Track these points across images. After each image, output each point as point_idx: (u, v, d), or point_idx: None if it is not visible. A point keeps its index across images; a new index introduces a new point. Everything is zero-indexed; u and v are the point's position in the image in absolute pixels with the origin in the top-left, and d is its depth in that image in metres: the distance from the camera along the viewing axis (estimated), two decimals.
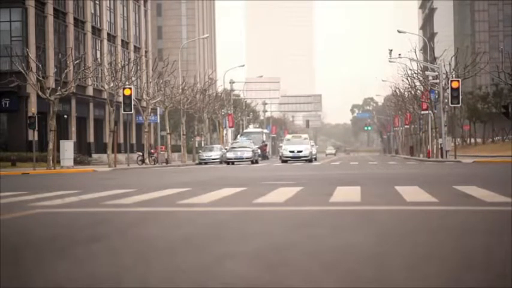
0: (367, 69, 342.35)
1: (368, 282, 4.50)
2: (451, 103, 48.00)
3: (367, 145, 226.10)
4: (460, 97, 48.14)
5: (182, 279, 4.73)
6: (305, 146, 56.07)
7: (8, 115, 55.77)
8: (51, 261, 5.58)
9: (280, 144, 74.62)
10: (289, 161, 55.23)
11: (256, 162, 55.71)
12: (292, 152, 55.48)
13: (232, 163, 54.32)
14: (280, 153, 59.89)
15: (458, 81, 48.42)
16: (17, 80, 46.27)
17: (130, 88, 47.33)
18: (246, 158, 54.58)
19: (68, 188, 17.76)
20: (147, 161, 55.73)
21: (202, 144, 74.60)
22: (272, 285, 4.46)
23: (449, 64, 56.96)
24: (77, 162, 48.75)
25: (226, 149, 61.04)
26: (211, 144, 72.50)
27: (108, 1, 71.78)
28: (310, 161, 55.52)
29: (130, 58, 68.89)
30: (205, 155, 61.78)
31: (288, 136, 61.20)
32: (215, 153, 60.98)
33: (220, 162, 59.13)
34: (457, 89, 47.47)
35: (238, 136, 79.24)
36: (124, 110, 46.86)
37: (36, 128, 42.52)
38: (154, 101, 60.07)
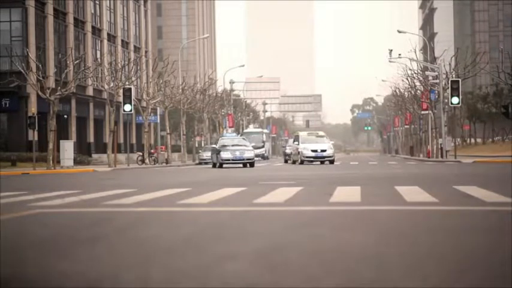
0: (367, 69, 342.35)
1: (368, 282, 4.50)
2: (451, 103, 48.02)
3: (367, 145, 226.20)
4: (460, 97, 48.16)
5: (182, 279, 4.73)
6: (327, 145, 48.02)
7: (8, 115, 55.79)
8: (51, 261, 5.58)
9: (284, 145, 70.12)
10: (308, 162, 46.96)
11: (253, 165, 43.64)
12: (315, 151, 47.03)
13: (221, 165, 43.38)
14: (288, 153, 51.98)
15: (458, 81, 48.45)
16: (17, 80, 46.30)
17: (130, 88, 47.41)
18: (247, 159, 43.08)
19: (68, 188, 17.76)
20: (147, 161, 55.74)
21: (203, 144, 74.61)
22: (272, 285, 4.46)
23: (449, 64, 56.99)
24: (77, 162, 48.78)
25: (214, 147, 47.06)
26: (212, 144, 72.45)
27: (108, 1, 71.79)
28: (333, 161, 47.31)
29: (130, 58, 68.89)
30: (206, 155, 61.70)
31: (302, 133, 51.74)
32: None
33: None
34: (457, 89, 47.49)
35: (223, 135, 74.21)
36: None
37: (36, 128, 42.54)
38: (154, 101, 60.08)
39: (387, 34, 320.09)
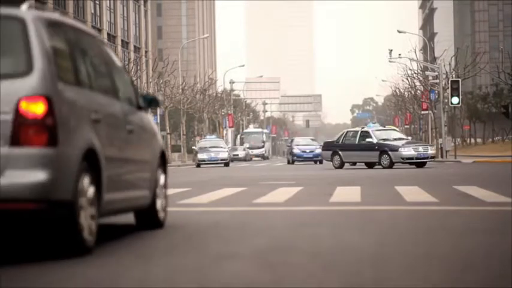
0: (367, 69, 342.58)
1: (368, 282, 4.50)
2: (451, 103, 48.00)
3: None
4: (460, 97, 48.14)
5: (182, 279, 4.73)
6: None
7: None
8: (50, 261, 5.58)
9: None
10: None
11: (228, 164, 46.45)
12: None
13: (199, 165, 43.94)
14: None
15: (458, 81, 48.43)
16: None
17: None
18: (221, 160, 43.57)
19: None
20: None
21: None
22: (272, 285, 4.46)
23: (449, 64, 56.98)
24: None
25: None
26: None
27: (108, 1, 71.77)
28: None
29: (130, 58, 68.88)
30: (201, 156, 61.31)
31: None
32: None
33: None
34: (457, 89, 47.47)
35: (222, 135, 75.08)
36: None
37: None
38: None
39: (387, 34, 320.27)
